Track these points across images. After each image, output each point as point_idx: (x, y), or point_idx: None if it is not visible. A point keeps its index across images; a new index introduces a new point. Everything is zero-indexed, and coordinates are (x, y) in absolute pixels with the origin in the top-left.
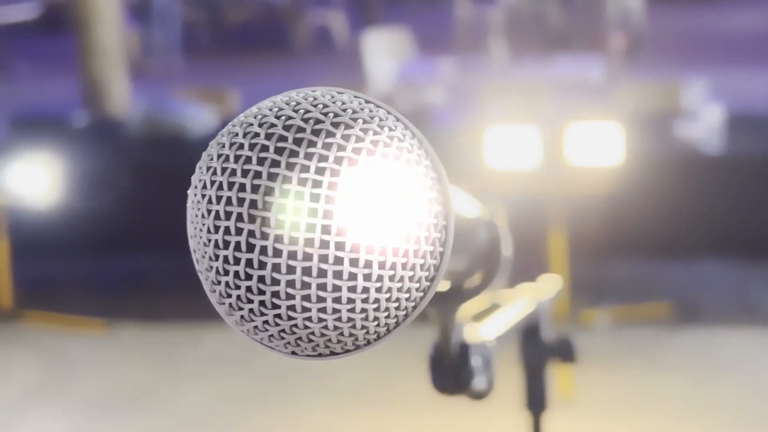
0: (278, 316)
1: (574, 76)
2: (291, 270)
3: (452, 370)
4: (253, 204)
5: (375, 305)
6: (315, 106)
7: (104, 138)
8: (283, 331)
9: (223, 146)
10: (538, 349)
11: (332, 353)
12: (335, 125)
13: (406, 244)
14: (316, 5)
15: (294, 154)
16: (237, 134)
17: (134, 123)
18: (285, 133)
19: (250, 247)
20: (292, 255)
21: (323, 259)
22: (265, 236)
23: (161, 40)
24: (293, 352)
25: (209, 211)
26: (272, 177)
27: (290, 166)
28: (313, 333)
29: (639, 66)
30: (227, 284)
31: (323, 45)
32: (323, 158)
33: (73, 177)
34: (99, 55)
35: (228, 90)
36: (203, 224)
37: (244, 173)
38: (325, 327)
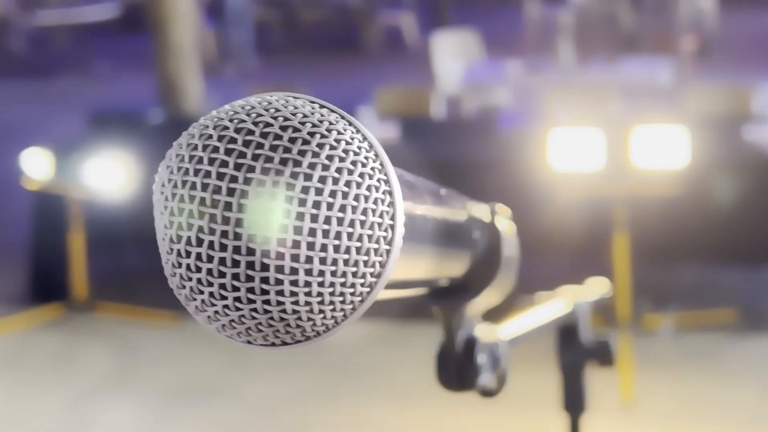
0: (226, 306)
1: (642, 78)
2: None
3: (457, 367)
4: (227, 206)
5: (319, 299)
6: (267, 110)
7: (178, 135)
8: (233, 321)
9: (195, 148)
10: (576, 351)
11: (284, 343)
12: (283, 128)
13: (347, 242)
14: (388, 6)
15: (269, 159)
16: (211, 136)
17: None
18: (259, 140)
19: (223, 247)
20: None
21: (265, 254)
22: (238, 237)
23: (235, 40)
24: (248, 341)
25: (182, 210)
26: (247, 181)
27: (265, 171)
28: (261, 324)
29: (709, 69)
30: (199, 281)
31: (394, 46)
32: (278, 161)
33: (147, 172)
34: (174, 55)
35: (297, 89)
36: (174, 222)
37: (220, 176)
38: (272, 318)
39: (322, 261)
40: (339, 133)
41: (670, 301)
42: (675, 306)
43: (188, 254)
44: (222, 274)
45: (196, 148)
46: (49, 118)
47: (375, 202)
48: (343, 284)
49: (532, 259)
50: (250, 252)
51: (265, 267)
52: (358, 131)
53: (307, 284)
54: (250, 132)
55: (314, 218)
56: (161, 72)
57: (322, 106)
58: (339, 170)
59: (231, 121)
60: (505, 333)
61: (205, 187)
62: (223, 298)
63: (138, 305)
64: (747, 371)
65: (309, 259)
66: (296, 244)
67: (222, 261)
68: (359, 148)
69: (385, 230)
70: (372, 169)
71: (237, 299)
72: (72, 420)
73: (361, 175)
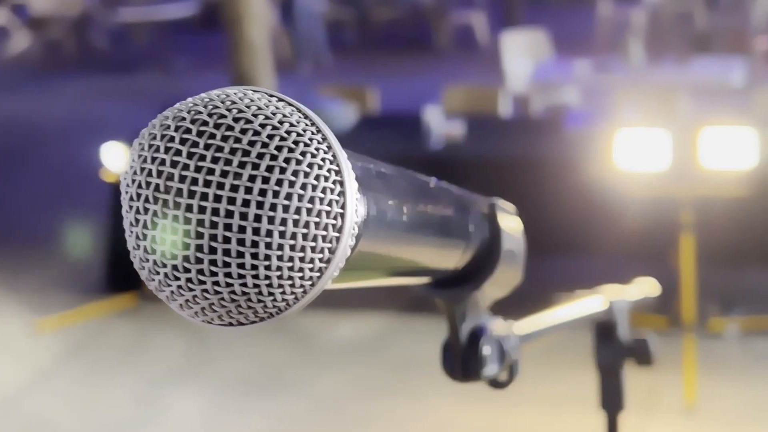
0: (180, 287)
1: (714, 79)
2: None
3: (460, 358)
4: (179, 192)
5: (267, 282)
6: (223, 102)
7: None
8: (188, 300)
9: (155, 137)
10: (614, 349)
11: (240, 323)
12: (236, 120)
13: (293, 228)
14: (460, 6)
15: (220, 149)
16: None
17: None
18: (212, 131)
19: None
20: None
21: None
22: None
23: (306, 38)
24: (205, 321)
25: (139, 195)
26: (198, 169)
27: (215, 160)
28: (213, 304)
29: None
30: (155, 262)
31: (465, 45)
32: (244, 153)
33: None
34: (248, 52)
35: (368, 88)
36: (133, 206)
37: (173, 164)
38: (223, 299)
39: (268, 246)
40: (291, 125)
41: (736, 304)
42: (741, 309)
43: (154, 234)
44: (186, 246)
45: (155, 137)
46: (128, 112)
47: (323, 191)
48: (290, 268)
49: (596, 257)
50: (200, 235)
51: (227, 242)
52: (312, 124)
53: (254, 267)
54: (205, 123)
55: (260, 205)
56: (235, 69)
57: (280, 100)
58: (287, 160)
59: (189, 112)
60: (519, 327)
61: (159, 174)
62: (186, 270)
63: None
64: None
65: (254, 244)
66: (241, 229)
67: (174, 244)
68: (311, 139)
69: (335, 218)
70: (322, 159)
71: (200, 271)
72: (143, 407)
73: (310, 165)
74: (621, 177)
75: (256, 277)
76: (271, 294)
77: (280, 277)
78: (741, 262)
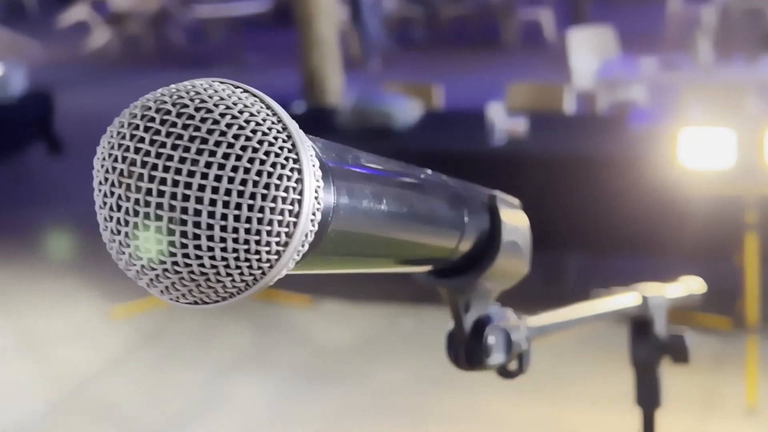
0: (144, 267)
1: None
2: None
3: (464, 346)
4: (140, 177)
5: (224, 263)
6: (188, 93)
7: (318, 125)
8: (152, 280)
9: (123, 125)
10: (650, 346)
11: (204, 302)
12: (197, 109)
13: (248, 212)
14: (528, 2)
15: (179, 137)
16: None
17: (344, 112)
18: (174, 119)
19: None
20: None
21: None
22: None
23: (374, 35)
24: (172, 299)
25: (104, 179)
26: (158, 155)
27: (174, 147)
28: (175, 283)
29: None
30: (121, 243)
31: (532, 42)
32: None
33: None
34: (317, 49)
35: (433, 85)
36: (102, 190)
37: (136, 150)
38: (183, 279)
39: (223, 228)
40: (251, 114)
41: None
42: None
43: (118, 215)
44: (147, 227)
45: (123, 125)
46: None
47: (280, 177)
48: (247, 251)
49: (659, 256)
50: (158, 218)
51: (184, 225)
52: (274, 114)
53: (210, 249)
54: (168, 112)
55: (215, 190)
56: (305, 65)
57: (245, 91)
58: (244, 148)
59: (155, 102)
60: (536, 319)
61: (124, 159)
62: (148, 251)
63: (276, 287)
64: None
65: (210, 226)
66: (197, 213)
67: (136, 225)
68: (270, 129)
69: (291, 204)
70: (280, 148)
71: (160, 252)
72: (208, 394)
73: (267, 153)
74: (686, 175)
75: (213, 258)
76: (229, 275)
77: (237, 259)
78: None
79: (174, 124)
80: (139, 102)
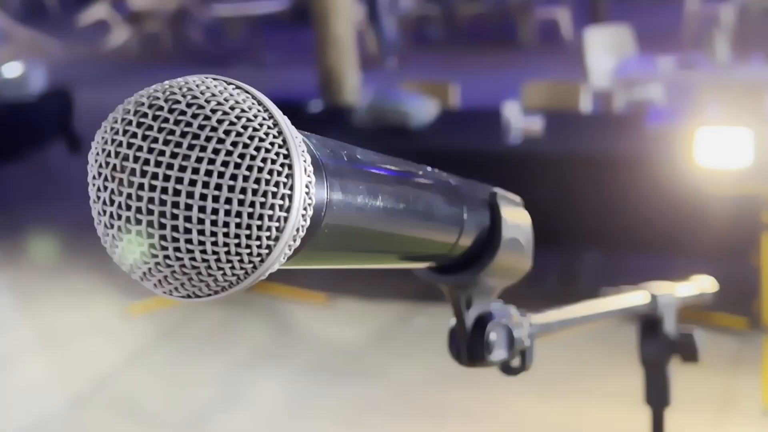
0: (143, 253)
1: None
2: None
3: (466, 343)
4: (132, 171)
5: (215, 256)
6: (180, 89)
7: (335, 124)
8: (145, 273)
9: (116, 120)
10: (659, 344)
11: (197, 295)
12: (189, 105)
13: (238, 207)
14: (545, 1)
15: (171, 132)
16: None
17: (361, 111)
18: (166, 115)
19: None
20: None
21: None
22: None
23: (390, 34)
24: (165, 292)
25: (98, 174)
26: (150, 150)
27: (166, 142)
28: (167, 276)
29: None
30: (117, 229)
31: (549, 40)
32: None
33: None
34: (334, 48)
35: (450, 83)
36: (96, 184)
37: (129, 146)
38: (175, 272)
39: (213, 223)
40: (243, 110)
41: None
42: None
43: (111, 209)
44: (138, 221)
45: (116, 121)
46: None
47: (270, 172)
48: (237, 245)
49: (675, 255)
50: (150, 212)
51: (175, 219)
52: (265, 110)
53: (201, 243)
54: (160, 108)
55: (206, 185)
56: (322, 64)
57: (237, 87)
58: (234, 143)
59: (148, 98)
60: (541, 317)
61: (116, 154)
62: (141, 245)
63: (292, 285)
64: None
65: (201, 221)
66: (188, 207)
67: (128, 219)
68: (260, 124)
69: (282, 198)
70: (271, 143)
71: (152, 246)
72: (226, 389)
73: (257, 149)
74: (702, 175)
75: (204, 252)
76: (220, 268)
77: (228, 253)
78: None
79: (166, 120)
80: (133, 98)
